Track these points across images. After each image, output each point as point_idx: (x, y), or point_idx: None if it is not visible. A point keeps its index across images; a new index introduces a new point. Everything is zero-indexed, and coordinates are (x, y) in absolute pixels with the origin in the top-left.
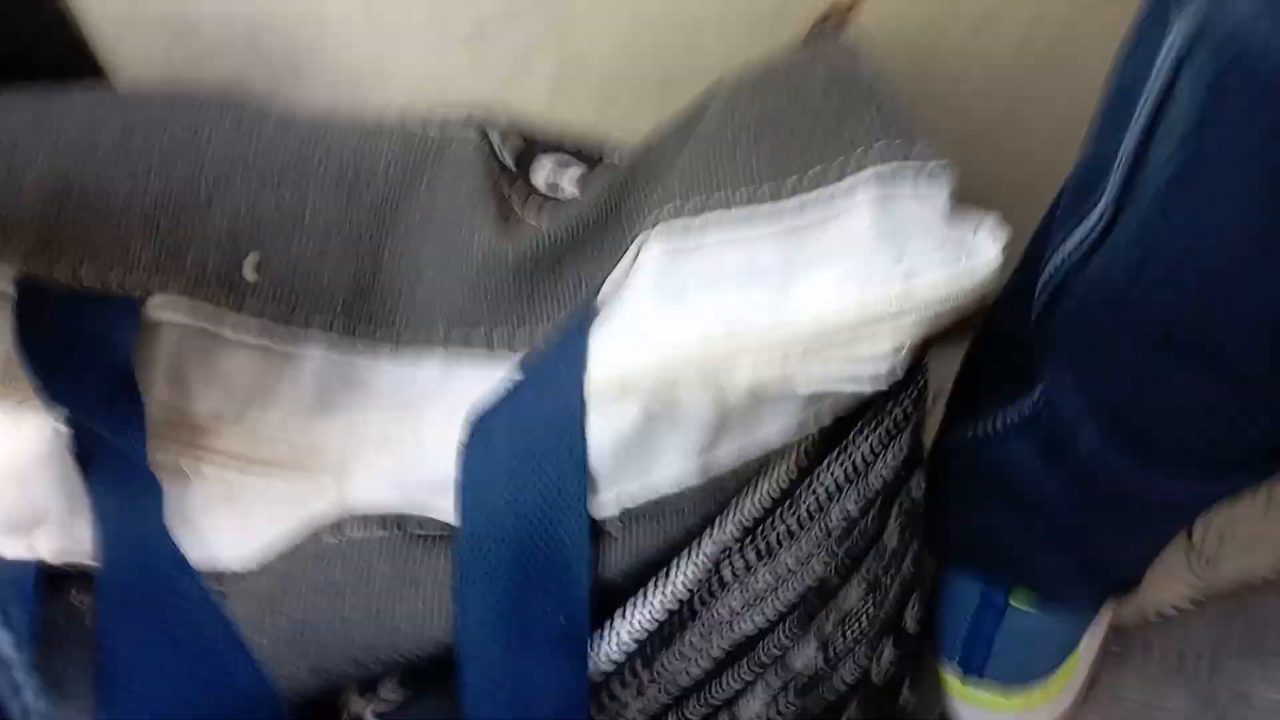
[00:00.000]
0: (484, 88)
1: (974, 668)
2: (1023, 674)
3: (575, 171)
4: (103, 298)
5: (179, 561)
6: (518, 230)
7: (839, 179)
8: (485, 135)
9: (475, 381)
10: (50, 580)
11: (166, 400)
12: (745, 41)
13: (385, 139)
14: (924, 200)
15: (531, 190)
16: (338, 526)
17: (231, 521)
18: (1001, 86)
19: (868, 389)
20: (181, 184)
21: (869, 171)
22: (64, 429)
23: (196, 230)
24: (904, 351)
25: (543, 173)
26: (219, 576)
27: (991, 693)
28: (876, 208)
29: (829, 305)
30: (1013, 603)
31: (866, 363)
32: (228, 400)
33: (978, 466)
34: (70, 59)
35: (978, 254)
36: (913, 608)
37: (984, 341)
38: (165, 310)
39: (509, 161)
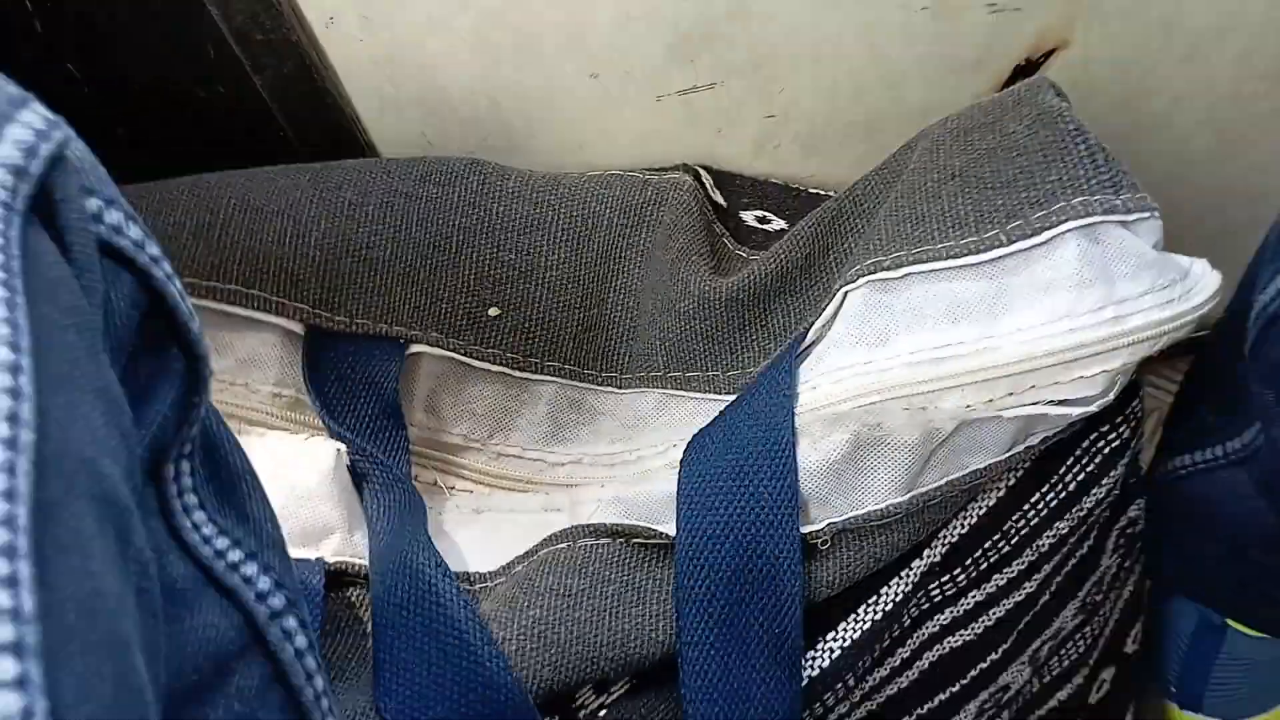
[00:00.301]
0: (695, 142)
1: (1191, 698)
2: (1242, 707)
3: (778, 223)
4: (373, 340)
5: (438, 567)
6: (730, 269)
7: (1043, 229)
8: (699, 180)
9: (691, 412)
10: (333, 581)
11: (424, 427)
12: (946, 89)
13: (608, 192)
14: (1132, 242)
15: (741, 224)
16: (570, 535)
17: (480, 532)
18: (1219, 114)
19: (1076, 416)
20: (436, 240)
21: (1074, 223)
22: (344, 454)
23: (448, 280)
24: (1116, 379)
25: (747, 218)
26: (469, 579)
27: None
28: (1083, 250)
29: (1037, 337)
30: (1231, 631)
31: (1076, 390)
32: (475, 427)
33: (1190, 497)
34: (340, 136)
35: (1191, 289)
36: (1134, 633)
37: (1198, 371)
38: (423, 350)
39: (720, 200)
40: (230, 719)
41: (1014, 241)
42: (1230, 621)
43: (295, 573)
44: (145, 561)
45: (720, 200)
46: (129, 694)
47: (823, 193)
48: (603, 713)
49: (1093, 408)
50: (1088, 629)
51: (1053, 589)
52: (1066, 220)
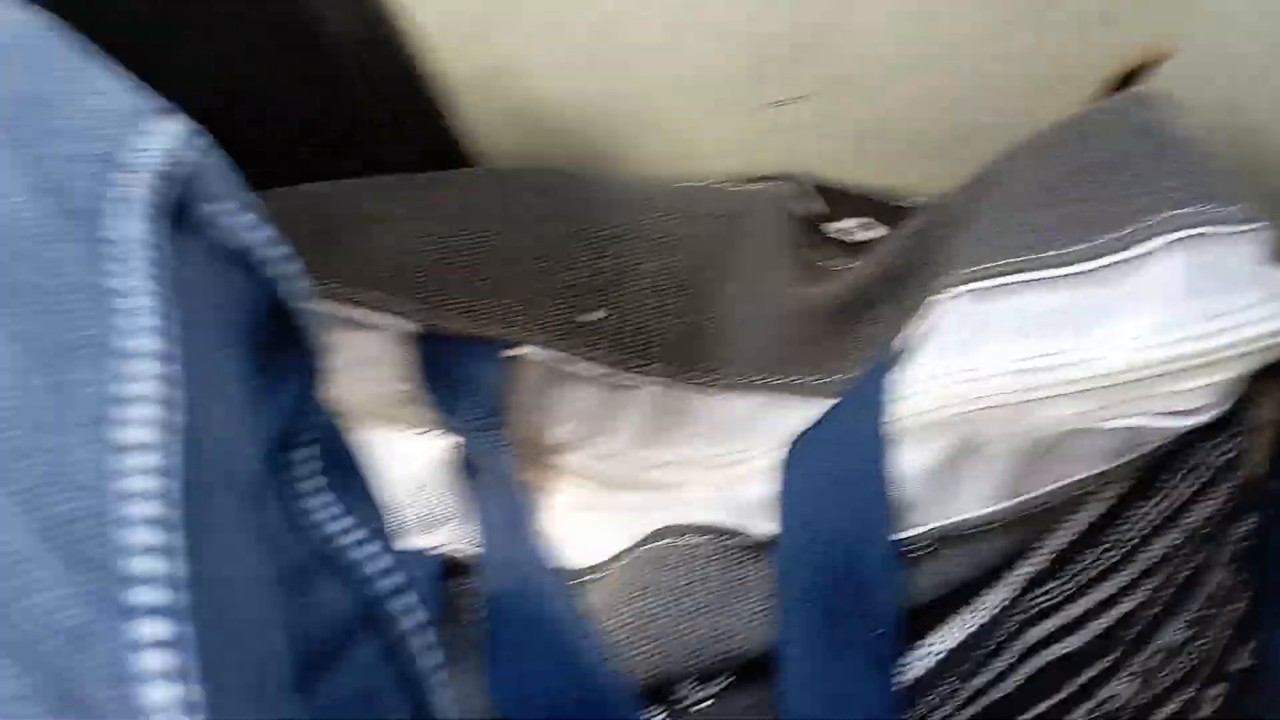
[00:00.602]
0: (789, 153)
1: None
2: None
3: (876, 232)
4: (481, 342)
5: (546, 558)
6: (825, 277)
7: (1147, 239)
8: (792, 192)
9: (789, 417)
10: (449, 569)
11: (530, 427)
12: (1045, 100)
13: (704, 201)
14: (1239, 257)
15: (839, 232)
16: (671, 533)
17: (583, 530)
18: None
19: (1183, 429)
20: (540, 247)
21: (1179, 234)
22: (456, 447)
23: (553, 285)
24: (1226, 391)
25: (844, 227)
26: (572, 575)
27: None
28: (1189, 260)
29: (1146, 346)
30: None
31: (1181, 402)
32: (577, 427)
33: None
34: (444, 148)
35: None
36: (1245, 651)
37: None
38: (529, 352)
39: (821, 209)
40: (349, 691)
41: (1116, 252)
42: None
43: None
44: (278, 539)
45: (821, 209)
46: (271, 667)
47: (918, 204)
48: (705, 704)
49: (1202, 419)
50: (1198, 644)
51: (1162, 602)
52: (1171, 231)
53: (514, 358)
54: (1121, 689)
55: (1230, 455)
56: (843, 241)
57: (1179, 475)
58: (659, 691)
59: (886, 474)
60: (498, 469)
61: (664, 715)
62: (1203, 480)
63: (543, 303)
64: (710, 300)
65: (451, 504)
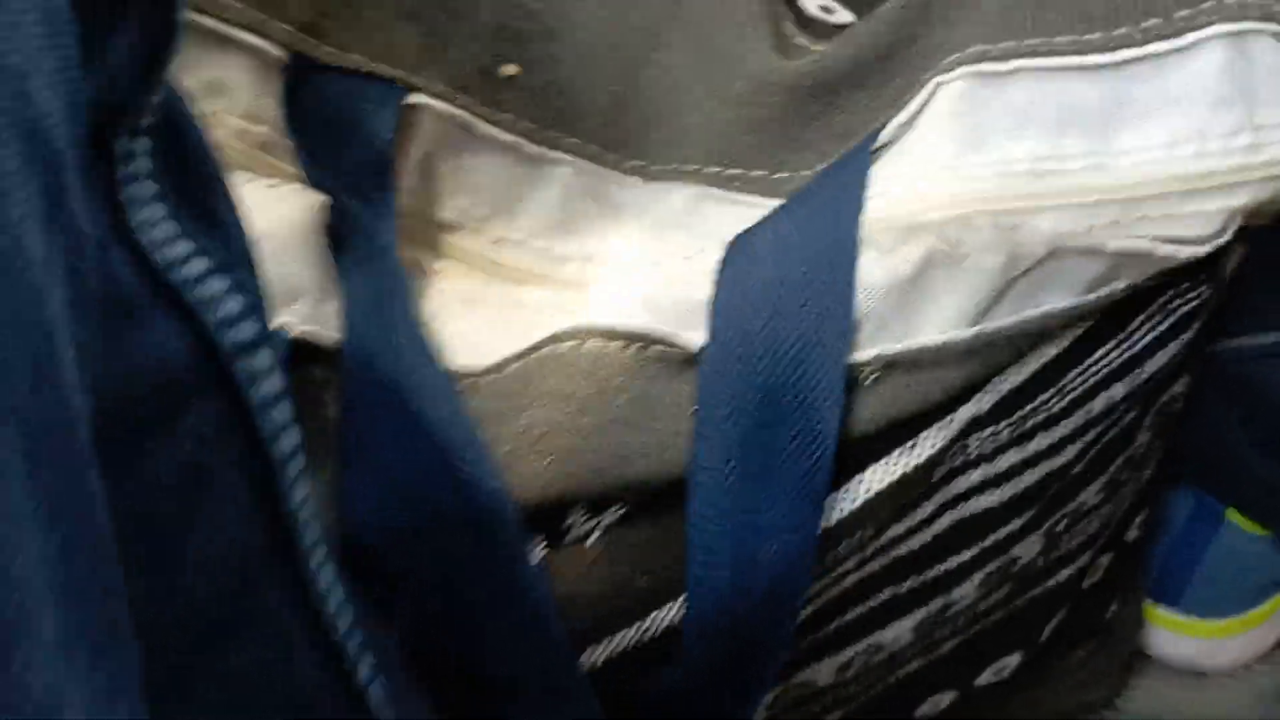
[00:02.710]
0: None
1: (1171, 592)
2: (1223, 606)
3: (847, 15)
4: (367, 80)
5: (425, 349)
6: (791, 55)
7: (1185, 31)
8: None
9: (729, 215)
10: (296, 354)
11: (416, 195)
12: None
13: None
14: None
15: (800, 11)
16: (577, 335)
17: (470, 325)
18: None
19: (1185, 255)
20: None
21: (1224, 26)
22: (322, 208)
23: (462, 24)
24: (1235, 218)
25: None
26: (455, 375)
27: (1186, 616)
28: (1228, 63)
29: (1157, 162)
30: (1227, 523)
31: (1189, 227)
32: (475, 203)
33: (1240, 381)
34: None
35: None
36: (1140, 517)
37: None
38: (424, 101)
39: None
40: (179, 463)
41: (1149, 42)
42: (1229, 514)
43: (271, 302)
44: (81, 238)
45: None
46: (51, 387)
47: None
48: (594, 536)
49: (1204, 249)
50: (1105, 508)
51: (1087, 460)
52: (1215, 22)
53: (407, 107)
54: (1027, 550)
55: (1196, 303)
56: (806, 20)
57: (1141, 320)
58: (540, 517)
59: (848, 282)
60: (375, 239)
61: (542, 546)
62: (1164, 328)
63: (449, 43)
64: (652, 69)
65: (310, 276)
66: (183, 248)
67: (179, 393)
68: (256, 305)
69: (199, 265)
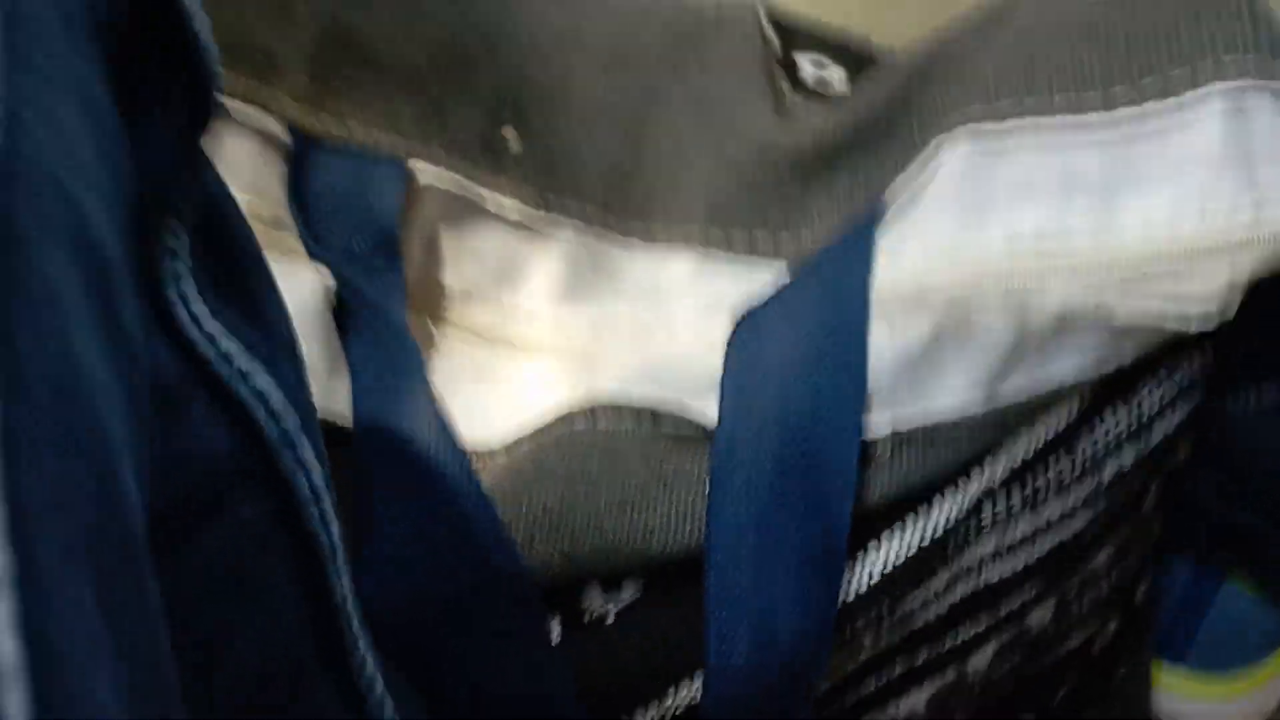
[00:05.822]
0: None
1: (1175, 649)
2: (1228, 659)
3: (839, 72)
4: (370, 155)
5: (438, 427)
6: (791, 123)
7: (1183, 89)
8: (758, 18)
9: (732, 282)
10: None
11: (421, 268)
12: None
13: (658, 17)
14: None
15: (799, 83)
16: (590, 415)
17: (477, 400)
18: None
19: (1193, 327)
20: (450, 43)
21: (1219, 86)
22: (329, 285)
23: (462, 93)
24: (1238, 286)
25: (807, 67)
26: (469, 454)
27: (1192, 678)
28: (1228, 124)
29: (1161, 228)
30: (1228, 584)
31: (1196, 297)
32: (480, 274)
33: (1225, 438)
34: None
35: None
36: (1145, 580)
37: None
38: (426, 174)
39: (777, 49)
40: (227, 558)
41: (1147, 100)
42: (1227, 581)
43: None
44: (134, 342)
45: (774, 38)
46: (111, 506)
47: (887, 52)
48: (611, 614)
49: (1210, 321)
50: (1114, 573)
51: (1098, 526)
52: (1213, 80)
53: (410, 179)
54: (1036, 618)
55: (1199, 367)
56: (808, 81)
57: (1149, 387)
58: (557, 596)
59: (860, 356)
60: (383, 315)
61: (560, 626)
62: (1171, 396)
63: (446, 112)
64: (652, 132)
65: (317, 353)
66: (226, 343)
67: (225, 485)
68: (300, 396)
69: (242, 360)
